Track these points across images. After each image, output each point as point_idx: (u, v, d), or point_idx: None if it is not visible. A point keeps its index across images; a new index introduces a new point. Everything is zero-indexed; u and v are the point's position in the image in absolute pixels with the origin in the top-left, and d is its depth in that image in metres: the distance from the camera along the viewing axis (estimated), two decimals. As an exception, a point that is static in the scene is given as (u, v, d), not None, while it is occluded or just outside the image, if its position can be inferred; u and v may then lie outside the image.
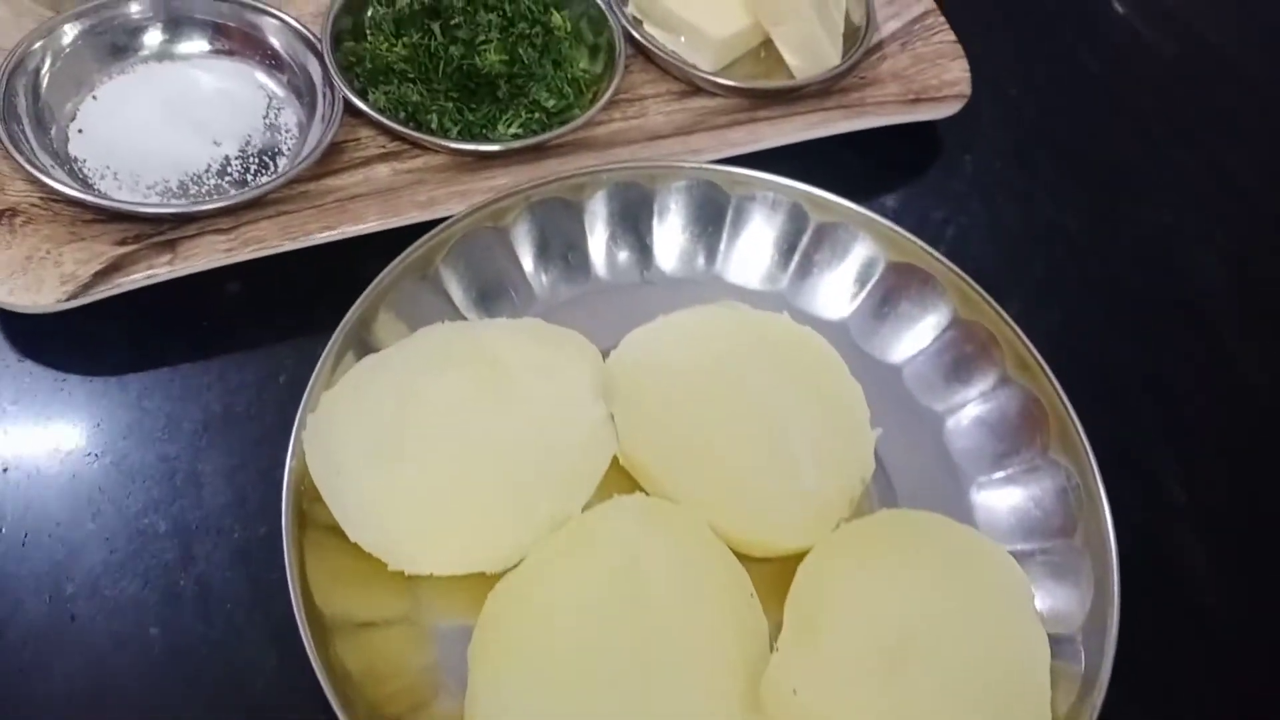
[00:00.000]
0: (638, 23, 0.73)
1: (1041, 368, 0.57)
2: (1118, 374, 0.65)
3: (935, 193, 0.71)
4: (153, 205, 0.58)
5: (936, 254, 0.60)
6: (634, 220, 0.62)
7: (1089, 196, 0.73)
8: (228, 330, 0.58)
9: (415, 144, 0.63)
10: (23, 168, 0.57)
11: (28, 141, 0.59)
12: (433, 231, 0.57)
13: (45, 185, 0.57)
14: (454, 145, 0.63)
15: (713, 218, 0.63)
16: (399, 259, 0.56)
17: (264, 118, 0.65)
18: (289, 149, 0.64)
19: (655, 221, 0.62)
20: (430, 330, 0.54)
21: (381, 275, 0.55)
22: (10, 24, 0.64)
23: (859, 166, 0.69)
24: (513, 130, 0.65)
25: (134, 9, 0.65)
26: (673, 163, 0.62)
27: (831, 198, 0.62)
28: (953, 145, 0.73)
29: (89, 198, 0.56)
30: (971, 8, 0.77)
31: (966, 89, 0.71)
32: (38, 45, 0.62)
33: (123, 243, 0.57)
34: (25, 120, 0.60)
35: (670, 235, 0.63)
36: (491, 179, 0.62)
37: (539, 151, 0.64)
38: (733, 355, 0.55)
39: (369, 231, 0.59)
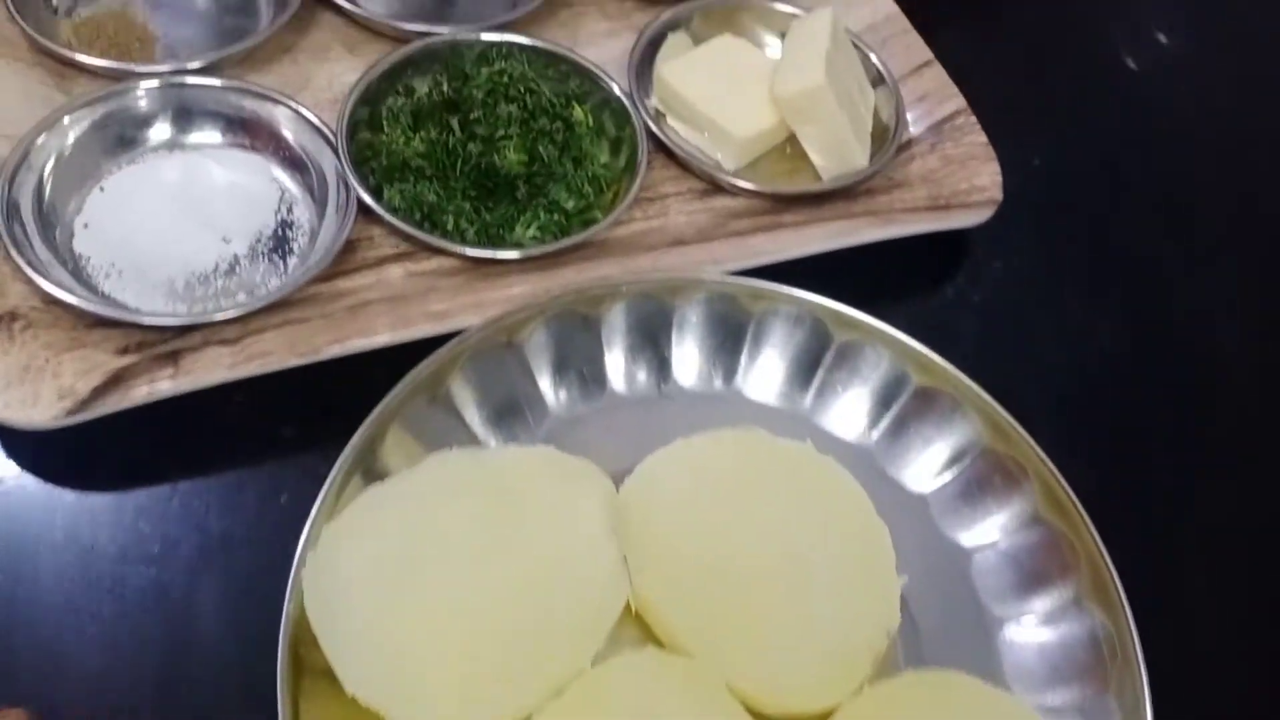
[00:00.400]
0: (660, 116, 0.71)
1: (1075, 507, 0.54)
2: (1156, 509, 0.62)
3: (962, 302, 0.69)
4: (155, 316, 0.56)
5: (964, 378, 0.58)
6: (652, 334, 0.60)
7: (1126, 309, 0.71)
8: (229, 444, 0.56)
9: (430, 248, 0.62)
10: (23, 270, 0.55)
11: (29, 242, 0.57)
12: (445, 348, 0.55)
13: (46, 291, 0.55)
14: (470, 253, 0.61)
15: (733, 332, 0.60)
16: (409, 377, 0.54)
17: (275, 212, 0.63)
18: (300, 247, 0.62)
19: (674, 335, 0.60)
20: (439, 459, 0.51)
21: (390, 396, 0.53)
22: (19, 108, 0.63)
23: (883, 269, 0.67)
24: (530, 233, 0.64)
25: (142, 100, 0.63)
26: (693, 276, 0.60)
27: (855, 314, 0.60)
28: (981, 250, 0.71)
29: (89, 307, 0.55)
30: (1002, 106, 0.75)
31: (998, 194, 0.69)
32: (42, 139, 0.60)
33: (124, 351, 0.55)
34: (30, 218, 0.58)
35: (689, 350, 0.60)
36: (507, 287, 0.61)
37: (556, 256, 0.62)
38: (753, 490, 0.53)
39: (379, 346, 0.57)
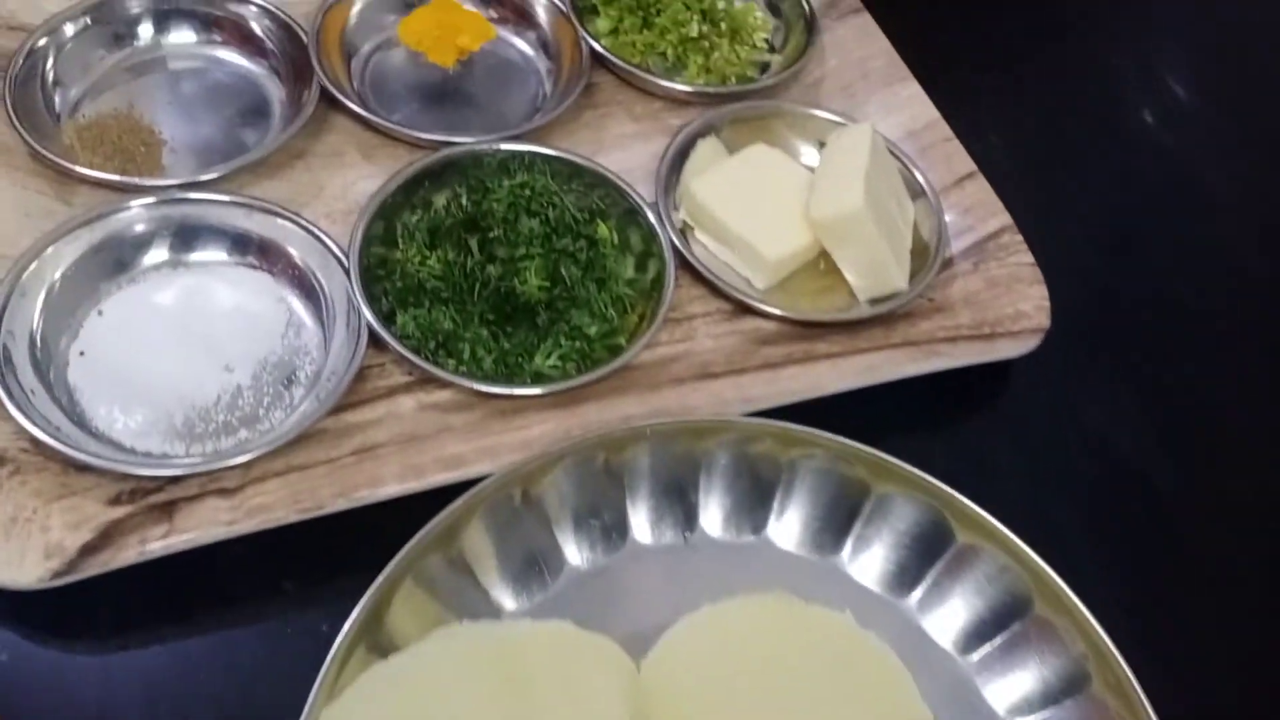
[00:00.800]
0: (688, 229, 0.68)
1: (1133, 687, 0.50)
2: (1207, 670, 0.58)
3: (1007, 435, 0.65)
4: (148, 466, 0.53)
5: (1012, 536, 0.54)
6: (678, 480, 0.56)
7: (1180, 448, 0.66)
8: (226, 599, 0.53)
9: (445, 382, 0.58)
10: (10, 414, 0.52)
11: (16, 378, 0.54)
12: (458, 502, 0.51)
13: (34, 436, 0.52)
14: (485, 389, 0.57)
15: (764, 479, 0.57)
16: (419, 536, 0.50)
17: (282, 337, 0.60)
18: (306, 376, 0.59)
19: (702, 481, 0.56)
20: (447, 634, 0.48)
21: (399, 557, 0.49)
22: (15, 222, 0.60)
23: (919, 393, 0.63)
24: (550, 361, 0.60)
25: (143, 217, 0.60)
26: (722, 419, 0.57)
27: (895, 463, 0.56)
28: (1025, 377, 0.67)
29: (79, 456, 0.51)
30: (1047, 222, 0.72)
31: (1045, 320, 0.65)
32: (36, 263, 0.57)
33: (117, 500, 0.52)
34: (22, 349, 0.55)
35: (717, 497, 0.57)
36: (525, 425, 0.57)
37: (577, 390, 0.59)
38: (785, 670, 0.49)
39: (388, 498, 0.53)
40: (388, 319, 0.60)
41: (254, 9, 0.71)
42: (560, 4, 0.75)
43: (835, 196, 0.63)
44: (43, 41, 0.66)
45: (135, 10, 0.70)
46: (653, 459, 0.56)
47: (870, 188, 0.63)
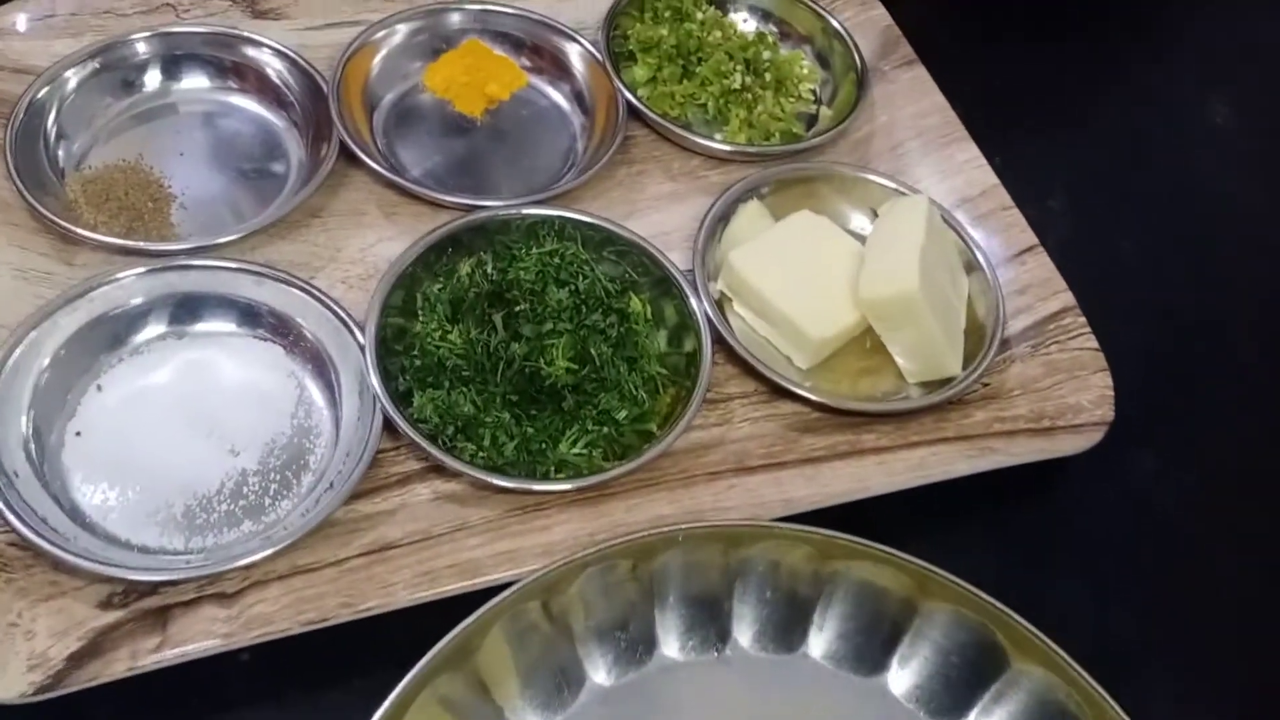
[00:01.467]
0: (726, 301, 0.64)
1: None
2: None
3: (1064, 532, 0.60)
4: (142, 568, 0.49)
5: (1069, 662, 0.49)
6: (711, 589, 0.52)
7: (1264, 553, 0.61)
8: (223, 707, 0.49)
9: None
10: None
11: (5, 468, 0.50)
12: (473, 617, 0.47)
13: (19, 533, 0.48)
14: (505, 485, 0.53)
15: (803, 590, 0.52)
16: (433, 653, 0.46)
17: (291, 416, 0.56)
18: (316, 463, 0.55)
19: (736, 591, 0.52)
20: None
21: (412, 675, 0.46)
22: (11, 289, 0.57)
23: (968, 487, 0.58)
24: (576, 449, 0.56)
25: (146, 286, 0.56)
26: (760, 524, 0.53)
27: (944, 576, 0.51)
28: (1084, 466, 0.61)
29: (69, 559, 0.47)
30: (1110, 296, 0.67)
31: (1109, 412, 0.60)
32: (33, 335, 0.53)
33: (108, 603, 0.48)
34: (15, 434, 0.52)
35: (752, 608, 0.52)
36: (547, 525, 0.53)
37: (603, 485, 0.55)
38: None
39: (396, 608, 0.50)
40: (404, 398, 0.57)
41: (271, 55, 0.67)
42: (596, 52, 0.71)
43: (888, 277, 0.59)
44: (45, 90, 0.63)
45: (145, 55, 0.66)
46: (684, 566, 0.52)
47: (925, 267, 0.59)
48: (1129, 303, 0.70)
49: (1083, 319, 0.63)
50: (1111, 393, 0.61)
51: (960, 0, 0.86)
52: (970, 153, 0.70)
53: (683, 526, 0.51)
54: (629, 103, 0.69)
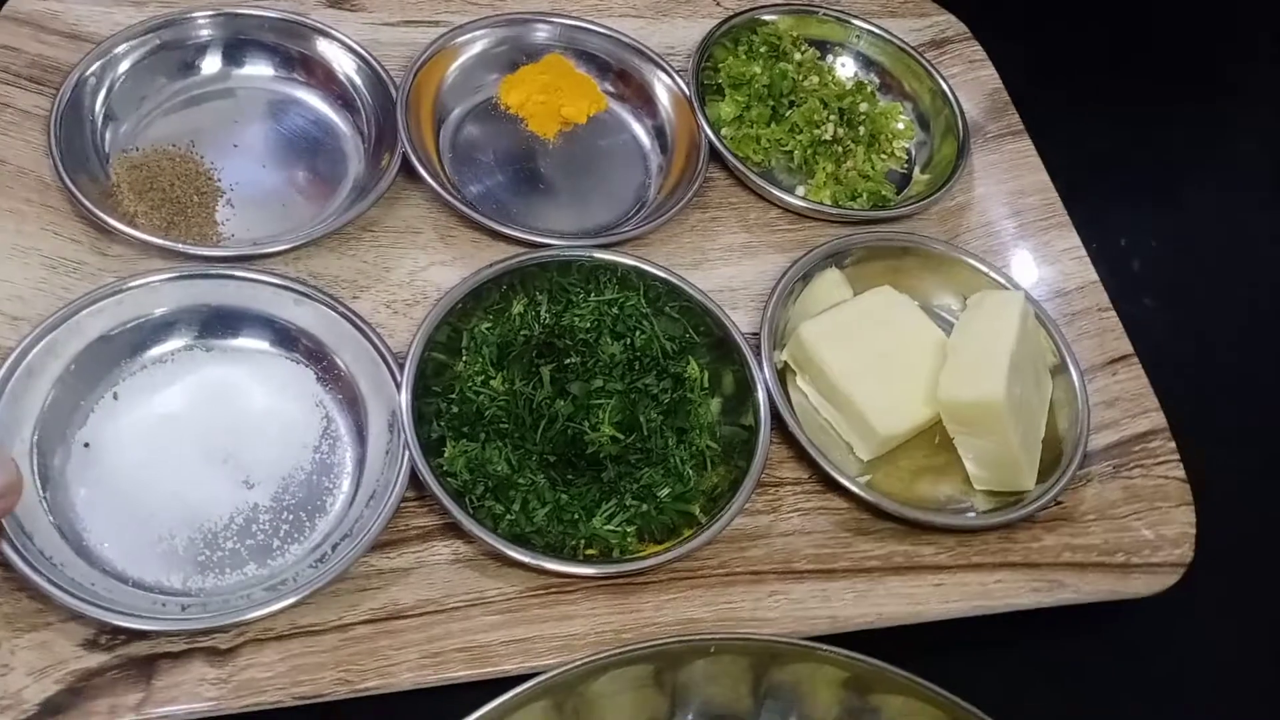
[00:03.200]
0: (789, 373, 0.59)
1: None
2: None
3: (1129, 678, 0.55)
4: (131, 616, 0.44)
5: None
6: (738, 706, 0.47)
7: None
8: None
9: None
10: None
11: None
12: (480, 713, 0.44)
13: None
14: (528, 561, 0.49)
15: (844, 715, 0.49)
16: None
17: (315, 450, 0.52)
18: (335, 508, 0.51)
19: (765, 711, 0.48)
20: None
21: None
22: (38, 279, 0.53)
23: (1025, 615, 0.54)
24: (611, 526, 0.52)
25: (175, 300, 0.53)
26: (801, 645, 0.48)
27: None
28: (1155, 606, 0.56)
29: (55, 592, 0.44)
30: (1202, 415, 0.61)
31: (1188, 553, 0.55)
32: (49, 339, 0.50)
33: (94, 643, 0.44)
34: (23, 436, 0.48)
35: (783, 730, 0.49)
36: (569, 614, 0.49)
37: (633, 575, 0.51)
38: None
39: (403, 690, 0.46)
40: (437, 445, 0.53)
41: (342, 50, 0.63)
42: (683, 86, 0.66)
43: (972, 380, 0.54)
44: (98, 64, 0.59)
45: (208, 36, 0.62)
46: (712, 679, 0.47)
47: (1012, 373, 0.54)
48: (1222, 422, 0.64)
49: (1172, 444, 0.58)
50: (1194, 530, 0.56)
51: (1057, 65, 0.81)
52: (1069, 241, 0.65)
53: (716, 637, 0.47)
54: (711, 144, 0.65)
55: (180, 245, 0.54)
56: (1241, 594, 0.59)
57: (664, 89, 0.67)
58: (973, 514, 0.56)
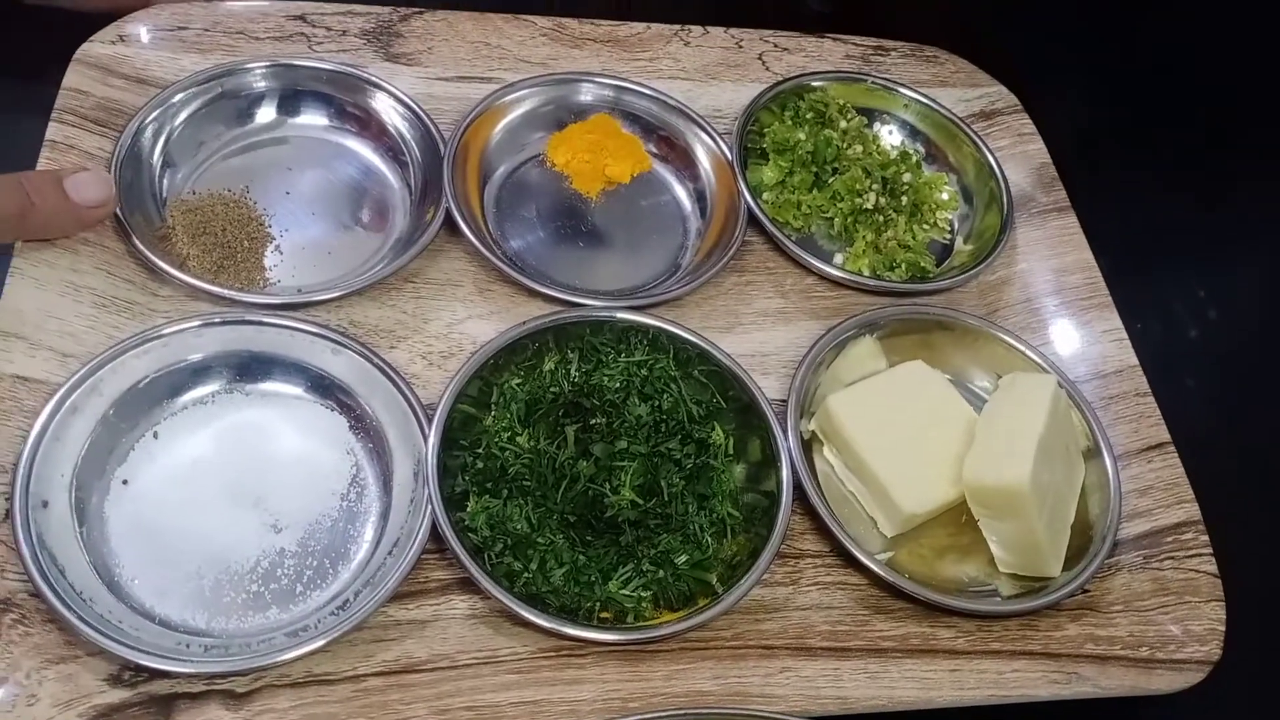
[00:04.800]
0: (816, 442, 0.59)
1: None
2: None
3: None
4: (156, 656, 0.46)
5: None
6: (743, 781, 0.48)
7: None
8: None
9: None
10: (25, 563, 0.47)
11: (29, 527, 0.48)
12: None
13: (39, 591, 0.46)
14: (542, 623, 0.49)
15: (845, 800, 0.48)
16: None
17: (343, 498, 0.53)
18: (358, 556, 0.52)
19: (770, 788, 0.48)
20: None
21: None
22: (89, 317, 0.55)
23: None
24: (626, 591, 0.52)
25: (219, 344, 0.54)
26: (808, 725, 0.48)
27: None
28: (1178, 700, 0.55)
29: (82, 627, 0.45)
30: (1237, 513, 0.60)
31: (1216, 650, 0.54)
32: (96, 376, 0.52)
33: (118, 679, 0.46)
34: (64, 478, 0.50)
35: (785, 810, 0.48)
36: (579, 678, 0.49)
37: (644, 645, 0.51)
38: None
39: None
40: (460, 499, 0.54)
41: (394, 104, 0.65)
42: (726, 151, 0.67)
43: (998, 465, 0.53)
44: (159, 110, 0.61)
45: (266, 86, 0.64)
46: (717, 752, 0.48)
47: (1040, 459, 0.53)
48: (1260, 518, 0.63)
49: (1205, 538, 0.57)
50: (1223, 628, 0.55)
51: (1108, 137, 0.80)
52: (1111, 323, 0.65)
53: (724, 712, 0.47)
54: (750, 210, 0.65)
55: (228, 291, 0.56)
56: (1268, 694, 0.57)
57: (706, 152, 0.67)
58: (997, 598, 0.56)
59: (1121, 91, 0.85)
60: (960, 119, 0.72)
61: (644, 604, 0.52)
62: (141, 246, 0.56)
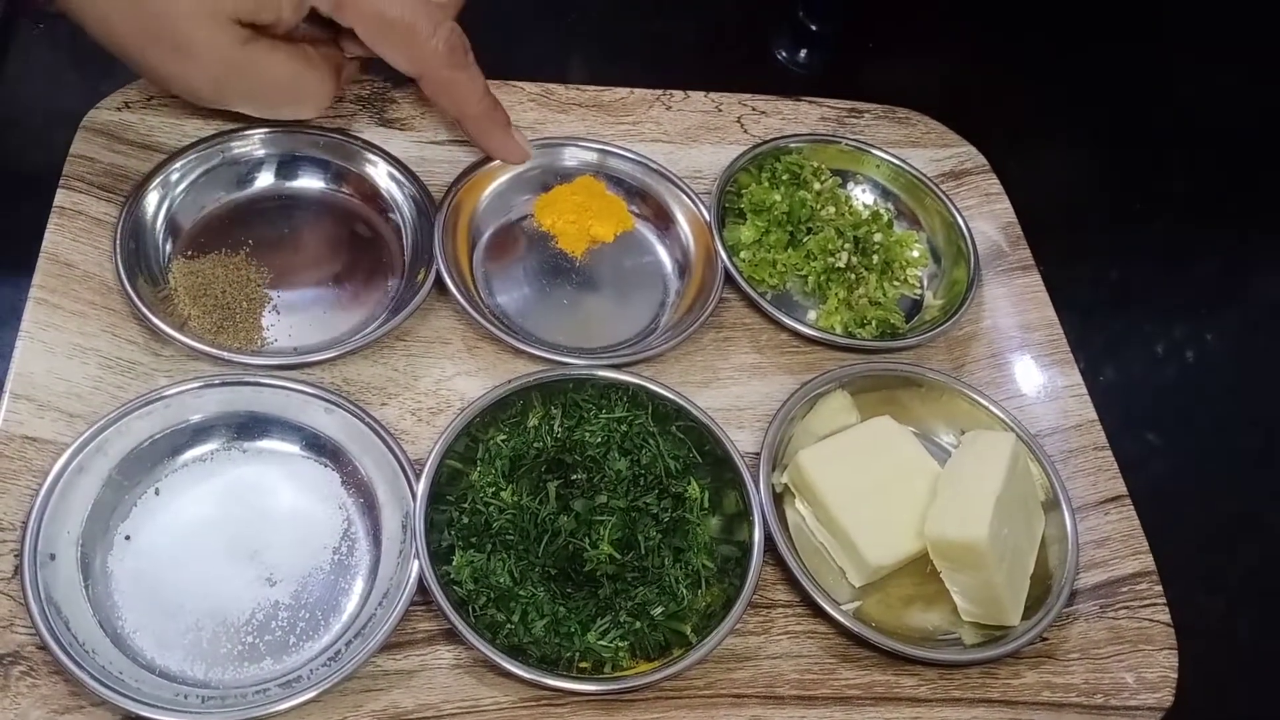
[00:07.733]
0: (788, 495, 0.62)
1: None
2: None
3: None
4: (155, 708, 0.48)
5: None
6: (713, 826, 0.51)
7: None
8: None
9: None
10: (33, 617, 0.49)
11: (37, 583, 0.50)
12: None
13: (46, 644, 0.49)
14: (522, 674, 0.52)
15: (810, 844, 0.51)
16: None
17: (334, 551, 0.56)
18: (348, 609, 0.54)
19: (739, 832, 0.51)
20: None
21: None
22: (94, 378, 0.58)
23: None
24: (603, 641, 0.55)
25: (217, 404, 0.57)
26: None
27: None
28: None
29: (87, 680, 0.48)
30: (1195, 568, 0.63)
31: (1168, 697, 0.57)
32: (100, 439, 0.54)
33: (120, 728, 0.49)
34: (71, 532, 0.53)
35: None
36: (558, 722, 0.52)
37: (620, 695, 0.54)
38: None
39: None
40: (447, 552, 0.56)
41: (387, 168, 0.68)
42: (704, 213, 0.70)
43: (957, 520, 0.56)
44: (161, 177, 0.64)
45: (265, 152, 0.67)
46: (689, 799, 0.51)
47: (999, 514, 0.56)
48: (1216, 572, 0.66)
49: (1159, 588, 0.60)
50: (1175, 675, 0.58)
51: (1075, 195, 0.84)
52: (1072, 379, 0.67)
53: (694, 757, 0.50)
54: (727, 269, 0.68)
55: (227, 353, 0.59)
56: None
57: (685, 212, 0.70)
58: (960, 645, 0.58)
59: (1091, 151, 0.88)
60: (930, 179, 0.75)
61: (621, 654, 0.55)
62: (144, 309, 0.59)
